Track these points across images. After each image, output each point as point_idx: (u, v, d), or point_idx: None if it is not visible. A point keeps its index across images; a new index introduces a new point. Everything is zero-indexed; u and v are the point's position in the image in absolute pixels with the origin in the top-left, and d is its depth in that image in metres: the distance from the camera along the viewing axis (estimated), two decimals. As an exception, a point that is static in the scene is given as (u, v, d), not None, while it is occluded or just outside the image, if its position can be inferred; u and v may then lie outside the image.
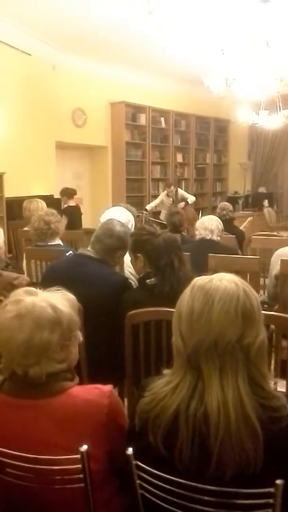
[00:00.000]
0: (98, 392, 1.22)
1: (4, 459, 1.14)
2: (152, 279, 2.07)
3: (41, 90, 6.37)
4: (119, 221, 2.43)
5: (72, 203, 6.12)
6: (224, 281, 1.08)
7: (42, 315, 1.17)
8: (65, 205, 6.08)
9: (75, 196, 6.28)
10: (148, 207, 7.34)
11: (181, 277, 1.98)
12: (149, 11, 4.58)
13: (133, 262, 2.32)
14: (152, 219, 6.63)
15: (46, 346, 1.16)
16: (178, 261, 2.05)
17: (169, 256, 2.06)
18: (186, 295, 1.10)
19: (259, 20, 4.73)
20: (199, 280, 1.10)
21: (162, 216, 7.21)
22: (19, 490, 1.16)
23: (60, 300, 1.24)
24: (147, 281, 2.09)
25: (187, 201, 7.18)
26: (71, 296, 1.30)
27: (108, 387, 1.24)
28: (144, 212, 7.04)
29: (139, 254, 2.24)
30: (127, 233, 2.38)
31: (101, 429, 1.18)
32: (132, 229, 3.16)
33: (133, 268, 2.44)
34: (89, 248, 2.38)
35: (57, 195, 6.50)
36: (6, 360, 1.19)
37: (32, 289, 1.27)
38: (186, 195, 7.37)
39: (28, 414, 1.18)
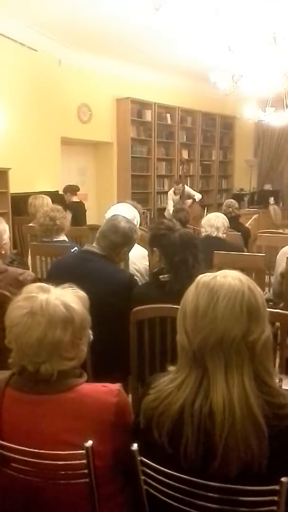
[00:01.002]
0: (107, 390, 1.22)
1: (9, 454, 1.14)
2: (165, 276, 2.04)
3: (47, 85, 6.36)
4: (124, 217, 2.41)
5: (75, 199, 6.13)
6: (229, 278, 1.08)
7: (55, 314, 1.17)
8: (69, 201, 6.09)
9: (79, 192, 6.29)
10: (167, 213, 7.28)
11: (194, 276, 1.93)
12: (156, 7, 4.56)
13: (150, 256, 2.30)
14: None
15: (57, 344, 1.17)
16: (193, 259, 2.00)
17: (183, 253, 2.02)
18: (190, 292, 1.10)
19: (266, 16, 4.69)
20: (204, 277, 1.11)
21: (167, 213, 7.21)
22: (25, 485, 1.17)
23: (73, 298, 1.24)
24: (160, 277, 2.06)
25: (194, 199, 7.17)
26: (82, 293, 1.29)
27: (116, 386, 1.24)
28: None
29: (155, 248, 2.21)
30: (132, 229, 2.36)
31: (109, 427, 1.18)
32: (138, 226, 3.16)
33: (149, 262, 2.42)
34: (94, 244, 2.37)
35: (62, 191, 6.51)
36: (17, 355, 1.20)
37: (45, 285, 1.26)
38: (193, 192, 7.35)
39: (36, 410, 1.18)
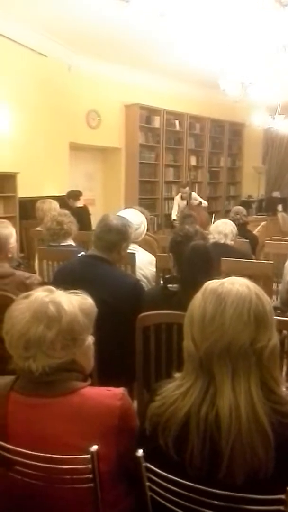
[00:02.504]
0: (111, 394, 1.22)
1: (14, 457, 1.14)
2: (175, 286, 2.00)
3: (56, 91, 6.41)
4: (114, 215, 2.40)
5: (79, 204, 6.16)
6: (236, 284, 1.07)
7: (40, 310, 1.19)
8: (73, 207, 6.11)
9: (85, 197, 6.31)
10: (174, 216, 7.32)
11: None
12: (161, 13, 4.58)
13: (168, 258, 2.23)
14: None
15: (40, 340, 1.17)
16: (205, 275, 1.76)
17: (193, 267, 1.91)
18: (198, 299, 1.10)
19: (276, 23, 4.71)
20: (211, 284, 1.10)
21: (174, 218, 7.22)
22: (28, 488, 1.17)
23: (68, 300, 1.23)
24: (169, 286, 2.02)
25: (201, 201, 7.17)
26: (88, 301, 1.29)
27: (120, 390, 1.23)
28: (175, 222, 7.01)
29: (170, 254, 2.14)
30: (124, 224, 2.33)
31: (113, 431, 1.17)
32: (145, 232, 3.16)
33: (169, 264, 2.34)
34: (92, 248, 2.37)
35: (65, 197, 6.53)
36: (9, 349, 1.21)
37: (52, 287, 1.27)
38: (199, 198, 7.36)
39: (39, 413, 1.18)
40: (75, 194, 6.22)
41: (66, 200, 6.11)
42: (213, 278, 1.14)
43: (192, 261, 1.94)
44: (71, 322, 1.21)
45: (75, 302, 1.25)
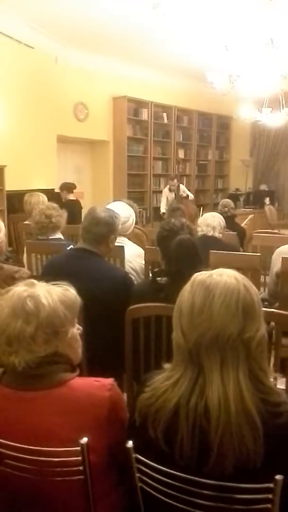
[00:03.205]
0: (99, 385, 1.22)
1: (3, 450, 1.14)
2: (163, 279, 2.00)
3: (44, 83, 6.35)
4: (101, 208, 2.39)
5: (71, 197, 6.13)
6: (224, 276, 1.08)
7: (18, 305, 1.18)
8: (65, 199, 6.08)
9: (75, 190, 6.28)
10: (163, 209, 7.33)
11: None
12: (153, 6, 4.56)
13: (156, 251, 2.22)
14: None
15: (20, 336, 1.17)
16: (191, 269, 1.80)
17: (179, 261, 1.92)
18: (186, 291, 1.10)
19: (264, 17, 4.71)
20: (199, 276, 1.11)
21: (163, 211, 7.23)
22: (19, 482, 1.17)
23: (47, 294, 1.22)
24: (158, 279, 2.02)
25: (188, 195, 7.20)
26: (71, 292, 1.28)
27: (109, 380, 1.23)
28: (164, 215, 7.03)
29: (158, 248, 2.14)
30: (112, 216, 2.33)
31: (102, 422, 1.18)
32: (133, 225, 3.15)
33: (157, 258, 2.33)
34: (80, 242, 2.36)
35: (58, 189, 6.49)
36: None
37: (33, 281, 1.27)
38: (187, 191, 7.38)
39: (28, 406, 1.18)
40: (69, 187, 6.19)
41: (60, 192, 6.08)
42: (200, 271, 1.15)
43: (178, 256, 1.95)
44: (50, 316, 1.20)
45: (55, 295, 1.23)
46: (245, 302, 1.05)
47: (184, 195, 7.06)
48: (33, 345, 1.18)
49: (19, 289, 1.23)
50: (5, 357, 1.19)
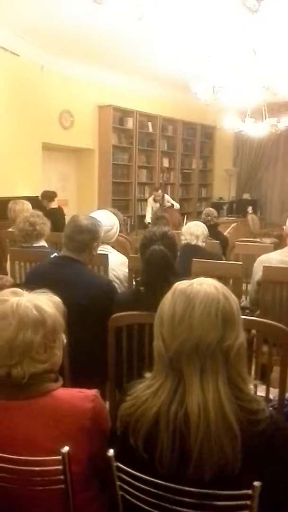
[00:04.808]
0: (83, 396, 1.22)
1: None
2: (142, 288, 2.02)
3: (29, 91, 6.34)
4: (84, 216, 2.40)
5: (53, 205, 6.12)
6: (204, 285, 1.10)
7: (25, 315, 1.18)
8: (47, 208, 6.06)
9: (59, 198, 6.26)
10: (148, 219, 7.34)
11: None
12: (139, 17, 4.61)
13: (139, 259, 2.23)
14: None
15: (29, 346, 1.17)
16: (162, 280, 1.79)
17: (151, 272, 1.96)
18: (167, 300, 1.12)
19: (247, 29, 4.80)
20: (180, 285, 1.13)
21: (146, 220, 7.27)
22: (-1, 492, 1.16)
23: (45, 301, 1.25)
24: (141, 288, 2.03)
25: (173, 204, 7.25)
26: (56, 298, 1.30)
27: (92, 391, 1.24)
28: (149, 225, 7.05)
29: (139, 256, 2.14)
30: (94, 223, 2.34)
31: (84, 432, 1.18)
32: (117, 233, 3.17)
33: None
34: (63, 250, 2.37)
35: (40, 197, 6.46)
36: None
37: (19, 290, 1.27)
38: (172, 201, 7.43)
39: (11, 415, 1.18)
40: (49, 196, 6.16)
41: (41, 201, 6.05)
42: (172, 281, 1.17)
43: (149, 266, 1.97)
44: (54, 323, 1.22)
45: (52, 303, 1.26)
46: (225, 311, 1.07)
47: (169, 204, 7.10)
48: (38, 354, 1.18)
49: (20, 299, 1.22)
50: (3, 369, 1.17)
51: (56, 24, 5.46)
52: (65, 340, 1.31)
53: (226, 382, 1.04)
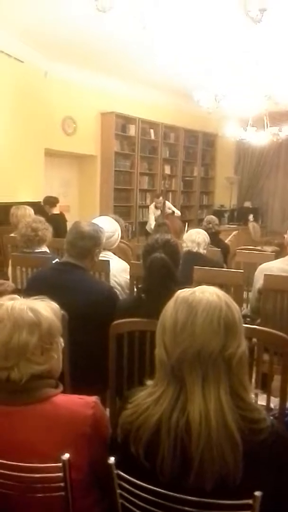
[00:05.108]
0: (83, 402, 1.22)
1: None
2: (143, 295, 2.03)
3: (32, 97, 6.38)
4: (85, 222, 2.41)
5: (55, 211, 6.14)
6: (207, 293, 1.10)
7: (20, 317, 1.19)
8: (49, 214, 6.08)
9: (59, 204, 6.28)
10: (151, 226, 7.33)
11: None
12: (143, 25, 4.65)
13: (141, 266, 2.24)
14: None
15: (24, 347, 1.17)
16: (163, 288, 1.86)
17: (152, 280, 1.98)
18: (169, 307, 1.12)
19: (249, 38, 4.84)
20: (182, 293, 1.13)
21: (148, 227, 7.27)
22: (-1, 498, 1.16)
23: (41, 305, 1.26)
24: (142, 295, 2.04)
25: (174, 211, 7.26)
26: (54, 304, 1.31)
27: (93, 398, 1.24)
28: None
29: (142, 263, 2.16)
30: (96, 230, 2.35)
31: (84, 439, 1.18)
32: (119, 239, 3.18)
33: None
34: (65, 256, 2.37)
35: (42, 203, 6.48)
36: None
37: (16, 296, 1.28)
38: (173, 208, 7.45)
39: (11, 421, 1.18)
40: (51, 201, 6.18)
41: (43, 207, 6.06)
42: (173, 289, 1.17)
43: (150, 274, 1.99)
44: (49, 326, 1.22)
45: (48, 307, 1.27)
46: (227, 319, 1.07)
47: (170, 211, 7.12)
48: (34, 356, 1.19)
49: (16, 302, 1.24)
50: (2, 373, 1.18)
51: (60, 31, 5.51)
52: (62, 344, 1.31)
53: (228, 391, 1.04)
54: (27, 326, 1.18)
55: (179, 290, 1.15)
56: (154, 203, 7.40)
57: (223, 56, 5.19)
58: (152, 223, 7.35)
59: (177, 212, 7.43)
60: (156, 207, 7.24)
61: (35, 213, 4.31)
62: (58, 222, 5.78)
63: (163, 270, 1.98)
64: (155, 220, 6.89)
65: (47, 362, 1.22)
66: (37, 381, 1.20)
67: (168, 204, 7.38)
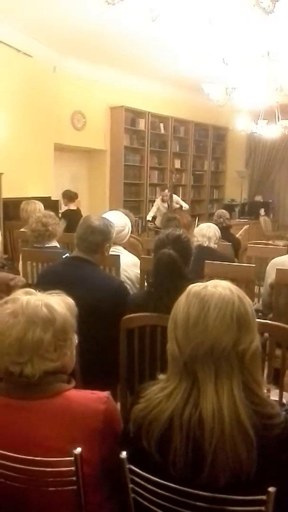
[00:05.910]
0: (95, 397, 1.22)
1: (-3, 460, 1.14)
2: (152, 289, 2.03)
3: (41, 92, 6.38)
4: (96, 217, 2.41)
5: (73, 206, 6.11)
6: (219, 287, 1.09)
7: (35, 313, 1.19)
8: (66, 208, 6.07)
9: (76, 200, 6.25)
10: (149, 217, 7.37)
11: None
12: (152, 18, 4.61)
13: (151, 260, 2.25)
14: (156, 228, 6.71)
15: (38, 343, 1.17)
16: (170, 283, 1.88)
17: (159, 275, 1.98)
18: (181, 302, 1.11)
19: (261, 30, 4.77)
20: (194, 287, 1.11)
21: (158, 222, 7.25)
22: (11, 492, 1.16)
23: (56, 301, 1.25)
24: (151, 289, 2.05)
25: (181, 205, 7.24)
26: (70, 300, 1.30)
27: (105, 393, 1.24)
28: (149, 223, 7.11)
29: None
30: (106, 224, 2.35)
31: (97, 434, 1.18)
32: (129, 234, 3.17)
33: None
34: (75, 250, 2.37)
35: (54, 197, 6.48)
36: None
37: (32, 290, 1.28)
38: (181, 202, 7.41)
39: (23, 415, 1.18)
40: (70, 195, 6.10)
41: (60, 200, 6.03)
42: (179, 285, 1.16)
43: (157, 269, 1.99)
44: (64, 322, 1.22)
45: (63, 303, 1.26)
46: (240, 314, 1.05)
47: (178, 206, 7.08)
48: (48, 353, 1.18)
49: (31, 297, 1.23)
50: (15, 367, 1.18)
51: (68, 25, 5.49)
52: (76, 341, 1.31)
53: (241, 386, 1.03)
54: (42, 323, 1.18)
55: (188, 285, 1.14)
56: (160, 196, 7.38)
57: (234, 48, 5.12)
58: (151, 214, 7.35)
59: (185, 206, 7.40)
60: (163, 200, 7.23)
61: (45, 208, 4.32)
62: (71, 218, 5.71)
63: (169, 267, 1.97)
64: (162, 214, 6.88)
65: (60, 359, 1.22)
66: (50, 377, 1.20)
67: (176, 198, 7.35)
